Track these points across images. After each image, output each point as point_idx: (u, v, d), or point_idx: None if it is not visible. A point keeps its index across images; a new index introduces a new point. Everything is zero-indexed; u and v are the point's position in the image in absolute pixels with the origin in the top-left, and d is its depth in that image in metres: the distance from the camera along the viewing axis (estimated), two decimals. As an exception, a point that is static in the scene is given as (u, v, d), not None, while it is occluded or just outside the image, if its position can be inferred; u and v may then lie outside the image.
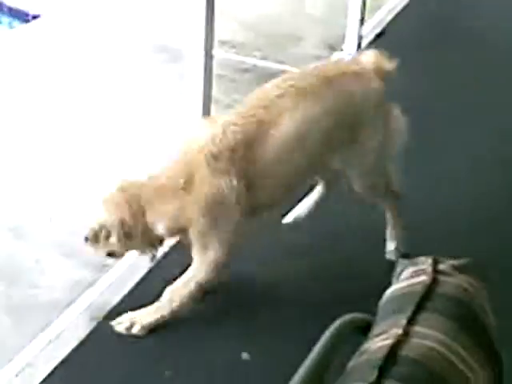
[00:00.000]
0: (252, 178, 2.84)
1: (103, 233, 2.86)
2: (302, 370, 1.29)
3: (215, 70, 3.80)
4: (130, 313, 2.97)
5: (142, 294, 3.11)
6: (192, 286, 2.92)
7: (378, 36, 5.79)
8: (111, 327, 2.94)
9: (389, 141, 3.09)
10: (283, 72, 5.11)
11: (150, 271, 3.23)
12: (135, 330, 2.93)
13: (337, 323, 1.40)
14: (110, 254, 2.97)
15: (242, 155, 2.81)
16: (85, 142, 4.24)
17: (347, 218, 3.62)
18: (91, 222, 2.89)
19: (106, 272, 3.30)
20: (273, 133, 2.84)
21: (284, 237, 3.46)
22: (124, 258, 3.32)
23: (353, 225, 3.61)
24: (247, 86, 5.03)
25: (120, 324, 2.95)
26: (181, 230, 2.90)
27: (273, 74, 5.14)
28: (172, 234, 2.94)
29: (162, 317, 2.95)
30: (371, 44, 5.66)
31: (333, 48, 5.62)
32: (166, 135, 4.26)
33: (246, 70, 5.25)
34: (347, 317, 1.44)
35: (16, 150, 4.15)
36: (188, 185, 2.82)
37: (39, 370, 2.78)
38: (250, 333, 3.05)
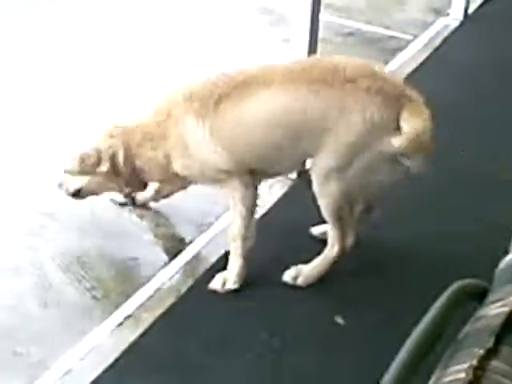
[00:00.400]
0: (223, 134, 2.86)
1: (94, 158, 3.03)
2: (415, 335, 1.27)
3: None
4: (222, 272, 3.02)
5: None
6: (237, 222, 2.99)
7: (487, 0, 5.62)
8: (208, 284, 2.99)
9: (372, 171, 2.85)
10: (388, 37, 5.13)
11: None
12: (229, 285, 2.99)
13: (452, 288, 1.37)
14: (76, 193, 3.14)
15: (215, 107, 2.84)
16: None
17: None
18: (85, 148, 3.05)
19: (204, 230, 3.34)
20: (250, 100, 2.83)
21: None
22: (220, 217, 3.39)
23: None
24: (350, 49, 4.98)
25: (216, 281, 2.99)
26: (169, 177, 3.03)
27: (376, 39, 5.14)
28: (160, 180, 3.13)
29: (239, 260, 3.01)
30: (479, 9, 5.51)
31: (438, 13, 5.49)
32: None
33: (349, 34, 5.19)
34: (462, 282, 1.42)
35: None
36: (167, 130, 2.93)
37: (139, 323, 2.84)
38: (347, 296, 3.05)
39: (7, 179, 3.55)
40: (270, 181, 3.61)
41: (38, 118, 4.03)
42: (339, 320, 2.93)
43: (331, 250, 3.04)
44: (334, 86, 2.78)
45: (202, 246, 3.25)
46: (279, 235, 3.32)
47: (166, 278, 3.07)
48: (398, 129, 2.77)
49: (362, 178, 2.85)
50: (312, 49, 3.57)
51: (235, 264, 3.02)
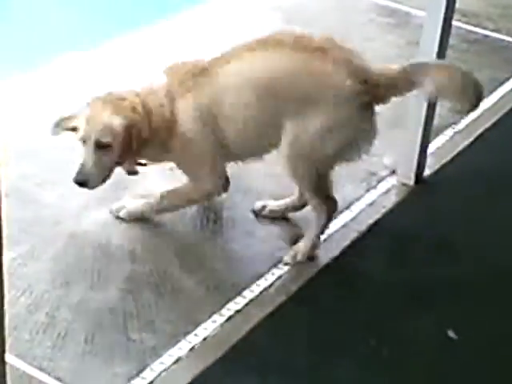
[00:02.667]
0: (211, 111, 2.99)
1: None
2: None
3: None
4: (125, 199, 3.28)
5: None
6: (178, 199, 3.19)
7: None
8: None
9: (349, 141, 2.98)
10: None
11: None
12: (121, 214, 3.21)
13: None
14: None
15: (200, 83, 2.99)
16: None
17: None
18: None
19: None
20: (231, 74, 2.98)
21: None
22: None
23: None
24: (475, 57, 4.85)
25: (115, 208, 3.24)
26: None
27: (504, 47, 4.99)
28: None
29: (147, 211, 3.21)
30: None
31: None
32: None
33: (475, 41, 5.05)
34: None
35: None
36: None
37: (249, 318, 2.86)
38: (461, 308, 2.99)
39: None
40: (386, 186, 3.57)
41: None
42: (451, 334, 2.87)
43: (319, 219, 3.11)
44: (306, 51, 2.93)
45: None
46: (391, 242, 3.27)
47: (277, 276, 3.06)
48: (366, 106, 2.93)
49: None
50: (441, 54, 3.50)
51: (139, 207, 3.22)
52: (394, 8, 5.39)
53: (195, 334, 2.76)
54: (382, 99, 2.98)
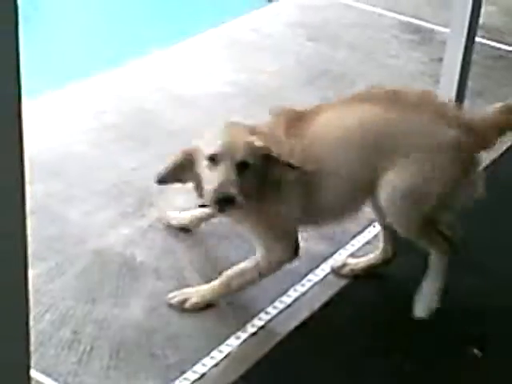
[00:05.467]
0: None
1: None
2: None
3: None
4: (187, 289, 2.95)
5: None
6: (248, 277, 2.88)
7: None
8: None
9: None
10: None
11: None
12: (187, 305, 2.90)
13: None
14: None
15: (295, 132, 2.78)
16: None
17: None
18: None
19: (343, 247, 3.32)
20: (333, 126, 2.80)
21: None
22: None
23: None
24: (500, 73, 4.85)
25: (174, 297, 2.92)
26: None
27: (529, 64, 4.98)
28: None
29: (215, 297, 2.91)
30: None
31: None
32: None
33: (500, 57, 5.05)
34: None
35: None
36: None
37: (273, 335, 2.86)
38: (488, 330, 2.97)
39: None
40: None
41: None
42: (476, 351, 2.86)
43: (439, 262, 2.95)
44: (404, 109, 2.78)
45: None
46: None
47: (300, 293, 3.06)
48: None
49: None
50: (465, 70, 3.51)
51: (203, 298, 2.91)
52: (417, 25, 5.40)
53: (219, 350, 2.76)
54: (489, 143, 2.87)
